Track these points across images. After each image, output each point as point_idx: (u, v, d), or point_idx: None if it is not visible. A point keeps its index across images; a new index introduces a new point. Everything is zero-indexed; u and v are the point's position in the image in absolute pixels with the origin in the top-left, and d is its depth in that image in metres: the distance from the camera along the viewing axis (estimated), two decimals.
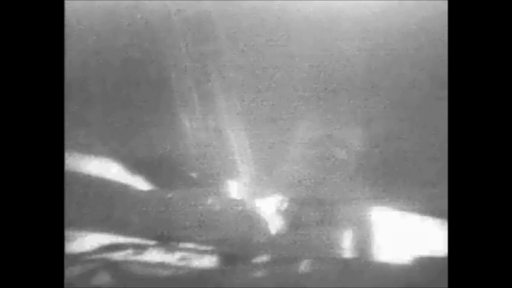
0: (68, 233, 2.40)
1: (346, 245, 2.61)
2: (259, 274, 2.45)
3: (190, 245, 2.58)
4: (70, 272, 2.32)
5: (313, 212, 2.63)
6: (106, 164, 2.78)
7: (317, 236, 2.59)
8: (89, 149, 2.76)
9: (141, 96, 2.76)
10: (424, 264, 2.36)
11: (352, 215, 2.65)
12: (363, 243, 2.62)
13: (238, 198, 2.76)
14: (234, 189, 2.79)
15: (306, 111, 2.69)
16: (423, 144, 2.62)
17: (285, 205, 2.69)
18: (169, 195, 2.73)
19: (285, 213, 2.67)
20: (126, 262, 2.49)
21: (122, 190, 2.75)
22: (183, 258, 2.53)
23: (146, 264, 2.49)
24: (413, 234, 2.57)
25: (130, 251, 2.55)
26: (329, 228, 2.63)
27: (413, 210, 2.61)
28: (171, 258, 2.53)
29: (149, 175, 2.80)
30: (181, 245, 2.58)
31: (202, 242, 2.59)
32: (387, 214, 2.64)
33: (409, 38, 2.57)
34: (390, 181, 2.66)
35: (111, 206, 2.67)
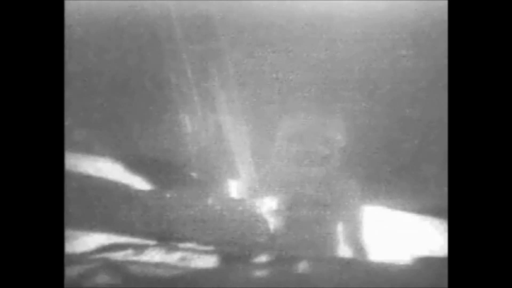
0: (68, 233, 2.40)
1: (346, 245, 2.61)
2: (259, 274, 2.45)
3: (190, 245, 2.58)
4: (70, 272, 2.32)
5: (313, 211, 2.64)
6: (106, 164, 2.78)
7: (316, 235, 2.59)
8: (89, 149, 2.76)
9: (141, 96, 2.77)
10: (424, 264, 2.36)
11: (352, 214, 2.66)
12: (362, 243, 2.62)
13: (238, 198, 2.76)
14: (234, 189, 2.79)
15: (308, 111, 2.70)
16: (422, 142, 2.63)
17: (285, 204, 2.69)
18: (169, 195, 2.73)
19: (285, 213, 2.67)
20: (126, 262, 2.49)
21: (122, 190, 2.75)
22: (183, 258, 2.53)
23: (146, 264, 2.49)
24: (412, 234, 2.58)
25: (130, 251, 2.55)
26: (329, 227, 2.63)
27: (411, 209, 2.62)
28: (171, 258, 2.53)
29: (149, 175, 2.80)
30: (181, 245, 2.58)
31: (202, 242, 2.59)
32: (386, 213, 2.64)
33: (409, 38, 2.58)
34: (388, 180, 2.66)
35: (110, 206, 2.67)
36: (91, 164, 2.76)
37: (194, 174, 2.81)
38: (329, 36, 2.62)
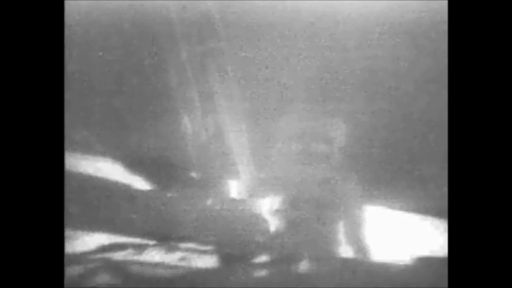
0: (68, 233, 2.40)
1: (346, 245, 2.61)
2: (259, 274, 2.45)
3: (190, 245, 2.58)
4: (70, 272, 2.32)
5: (313, 211, 2.64)
6: (106, 163, 2.78)
7: (317, 235, 2.59)
8: (89, 149, 2.76)
9: (142, 97, 2.77)
10: (424, 264, 2.36)
11: (352, 214, 2.66)
12: (362, 243, 2.62)
13: (238, 198, 2.76)
14: (234, 189, 2.79)
15: (308, 111, 2.70)
16: (422, 142, 2.63)
17: (285, 204, 2.69)
18: (169, 195, 2.73)
19: (285, 213, 2.67)
20: (126, 262, 2.49)
21: (122, 190, 2.75)
22: (183, 258, 2.53)
23: (146, 264, 2.49)
24: (412, 234, 2.57)
25: (130, 251, 2.56)
26: (329, 227, 2.63)
27: (411, 210, 2.61)
28: (171, 258, 2.53)
29: (149, 175, 2.80)
30: (181, 245, 2.58)
31: (202, 242, 2.59)
32: (386, 213, 2.64)
33: (409, 38, 2.58)
34: (388, 180, 2.66)
35: (110, 206, 2.67)
36: (91, 164, 2.76)
37: (194, 174, 2.81)
38: (329, 36, 2.62)
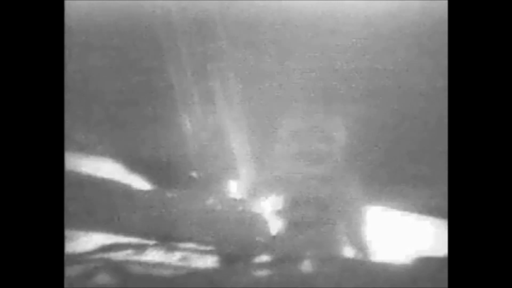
0: (68, 233, 2.40)
1: (346, 245, 2.61)
2: (259, 273, 2.45)
3: (190, 245, 2.58)
4: (70, 272, 2.32)
5: (313, 211, 2.64)
6: (107, 164, 2.78)
7: (317, 235, 2.59)
8: (89, 149, 2.76)
9: (142, 97, 2.77)
10: (424, 264, 2.36)
11: (352, 215, 2.66)
12: (362, 243, 2.62)
13: (238, 198, 2.76)
14: (234, 189, 2.79)
15: (309, 111, 2.70)
16: (422, 142, 2.63)
17: (285, 204, 2.69)
18: (169, 195, 2.73)
19: (285, 212, 2.67)
20: (126, 262, 2.49)
21: (123, 190, 2.75)
22: (183, 258, 2.53)
23: (146, 264, 2.49)
24: (412, 234, 2.57)
25: (130, 251, 2.55)
26: (329, 228, 2.63)
27: (411, 210, 2.61)
28: (171, 258, 2.53)
29: (149, 175, 2.80)
30: (181, 245, 2.58)
31: (202, 242, 2.59)
32: (387, 213, 2.64)
33: (409, 38, 2.58)
34: (388, 180, 2.66)
35: (111, 206, 2.67)
36: (91, 164, 2.76)
37: (194, 174, 2.81)
38: (330, 36, 2.63)
